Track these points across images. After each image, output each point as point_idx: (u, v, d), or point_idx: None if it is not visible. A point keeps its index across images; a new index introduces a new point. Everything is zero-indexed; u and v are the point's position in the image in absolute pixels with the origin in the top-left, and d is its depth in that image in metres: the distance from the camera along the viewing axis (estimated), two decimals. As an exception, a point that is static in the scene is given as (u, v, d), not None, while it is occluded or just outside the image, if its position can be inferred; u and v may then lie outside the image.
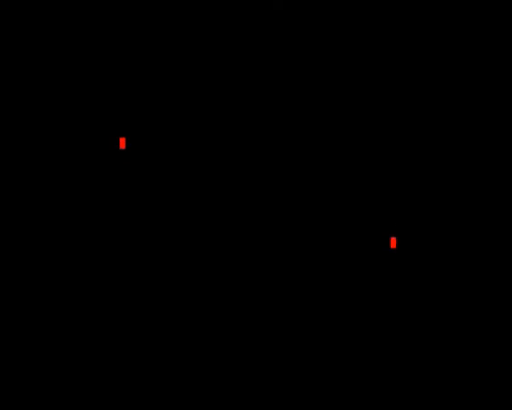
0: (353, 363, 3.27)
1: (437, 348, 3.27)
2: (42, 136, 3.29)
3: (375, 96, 3.30)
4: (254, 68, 3.30)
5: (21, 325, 3.26)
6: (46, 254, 3.26)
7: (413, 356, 3.28)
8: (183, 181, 3.27)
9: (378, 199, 3.29)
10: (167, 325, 3.28)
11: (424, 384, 3.27)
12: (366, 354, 3.27)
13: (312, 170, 3.30)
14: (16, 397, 3.24)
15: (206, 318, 3.28)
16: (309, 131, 3.30)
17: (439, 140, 3.30)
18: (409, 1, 3.29)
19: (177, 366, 3.27)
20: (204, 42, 3.30)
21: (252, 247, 3.27)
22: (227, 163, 3.28)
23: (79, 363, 3.25)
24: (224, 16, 3.29)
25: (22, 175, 3.26)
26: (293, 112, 3.30)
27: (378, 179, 3.29)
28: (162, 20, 3.29)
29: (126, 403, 3.25)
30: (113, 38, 3.28)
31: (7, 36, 3.27)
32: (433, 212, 3.30)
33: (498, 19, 3.27)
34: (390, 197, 3.29)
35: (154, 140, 3.27)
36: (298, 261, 3.28)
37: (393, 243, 3.26)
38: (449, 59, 3.29)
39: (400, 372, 3.27)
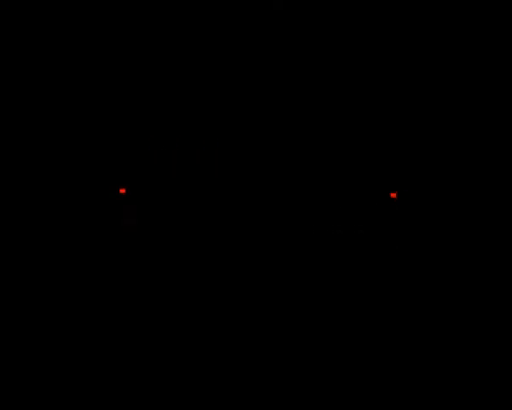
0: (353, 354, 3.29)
1: (436, 346, 3.30)
2: (41, 135, 3.31)
3: (375, 98, 3.32)
4: (254, 68, 3.33)
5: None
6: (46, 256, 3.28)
7: (412, 351, 3.30)
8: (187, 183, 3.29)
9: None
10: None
11: (424, 384, 3.30)
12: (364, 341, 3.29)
13: (312, 170, 3.33)
14: (16, 397, 3.26)
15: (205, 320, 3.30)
16: (308, 131, 3.33)
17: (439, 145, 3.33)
18: (409, 1, 3.32)
19: (177, 366, 3.29)
20: (204, 42, 3.32)
21: (249, 245, 3.30)
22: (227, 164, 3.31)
23: (79, 364, 3.28)
24: (224, 16, 3.32)
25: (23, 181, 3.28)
26: (292, 111, 3.33)
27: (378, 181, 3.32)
28: (162, 21, 3.32)
29: (126, 403, 3.28)
30: (113, 38, 3.31)
31: (7, 36, 3.29)
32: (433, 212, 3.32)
33: (498, 19, 3.30)
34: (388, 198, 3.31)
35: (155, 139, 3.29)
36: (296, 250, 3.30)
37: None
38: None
39: (400, 366, 3.30)
